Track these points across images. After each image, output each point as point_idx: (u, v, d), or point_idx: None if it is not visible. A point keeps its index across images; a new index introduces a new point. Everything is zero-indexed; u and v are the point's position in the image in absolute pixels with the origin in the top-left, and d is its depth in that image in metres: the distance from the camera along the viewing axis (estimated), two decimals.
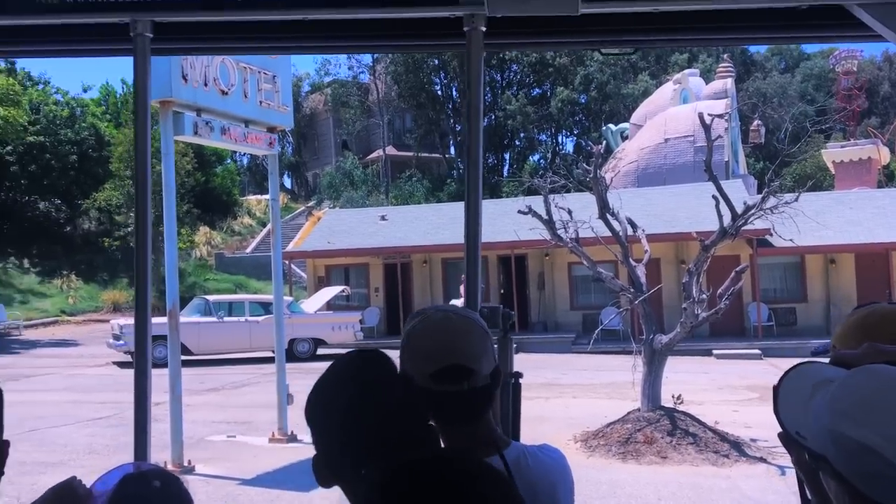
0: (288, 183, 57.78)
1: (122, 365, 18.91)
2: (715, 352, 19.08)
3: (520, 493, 1.14)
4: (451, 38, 2.22)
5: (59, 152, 34.83)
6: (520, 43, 2.39)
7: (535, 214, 10.74)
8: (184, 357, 10.56)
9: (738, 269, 10.23)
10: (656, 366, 9.92)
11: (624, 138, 33.31)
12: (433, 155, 51.29)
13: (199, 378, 15.55)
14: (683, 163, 27.85)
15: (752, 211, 10.12)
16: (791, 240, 11.70)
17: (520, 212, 10.63)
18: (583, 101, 48.64)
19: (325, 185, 47.76)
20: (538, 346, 20.47)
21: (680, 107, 30.13)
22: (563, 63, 46.91)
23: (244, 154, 44.78)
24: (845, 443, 1.03)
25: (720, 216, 10.19)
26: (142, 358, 2.30)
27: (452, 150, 52.57)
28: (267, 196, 44.68)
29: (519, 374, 2.14)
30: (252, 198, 46.76)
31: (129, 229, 33.42)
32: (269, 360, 17.52)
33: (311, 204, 46.67)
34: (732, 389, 14.04)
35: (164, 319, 8.86)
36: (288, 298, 18.65)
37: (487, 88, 47.25)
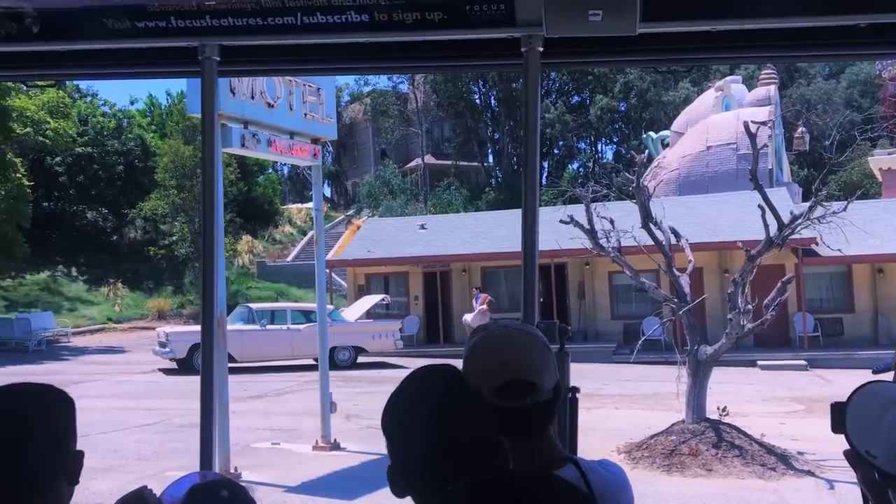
0: (327, 192, 58.31)
1: (167, 372, 19.25)
2: (760, 363, 18.79)
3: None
4: (507, 57, 2.26)
5: (106, 163, 35.64)
6: (576, 62, 2.43)
7: (578, 224, 10.72)
8: (228, 365, 10.73)
9: (784, 279, 10.09)
10: (701, 377, 9.82)
11: (665, 146, 33.01)
12: (471, 163, 51.36)
13: (243, 385, 15.76)
14: (726, 171, 27.50)
15: (800, 220, 9.99)
16: (839, 249, 11.50)
17: (562, 221, 10.63)
18: (623, 108, 48.35)
19: (365, 193, 48.10)
20: (578, 355, 20.28)
21: (722, 114, 29.78)
22: (602, 71, 46.70)
23: (285, 164, 45.34)
24: None
25: (766, 226, 10.07)
26: (208, 369, 2.37)
27: (491, 159, 52.61)
28: (307, 205, 45.12)
29: (576, 389, 2.16)
30: (293, 206, 47.28)
31: (174, 238, 34.04)
32: (311, 367, 17.73)
33: (350, 213, 47.04)
34: (778, 401, 13.82)
35: None
36: (329, 307, 18.83)
37: None
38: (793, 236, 10.60)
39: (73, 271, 34.35)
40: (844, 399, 1.42)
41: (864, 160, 33.01)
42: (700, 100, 34.09)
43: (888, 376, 8.43)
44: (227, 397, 8.88)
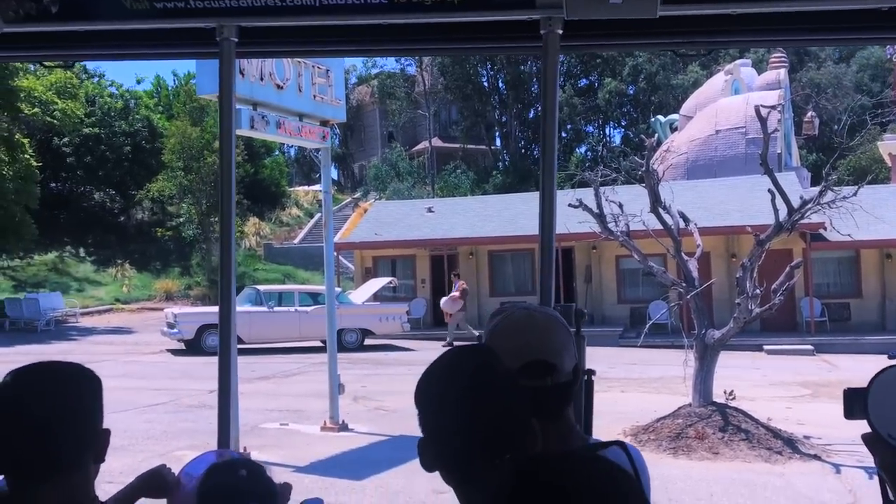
0: (334, 174, 58.23)
1: (175, 353, 19.35)
2: (766, 347, 18.79)
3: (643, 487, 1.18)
4: (526, 40, 2.26)
5: (113, 144, 35.66)
6: (595, 45, 2.42)
7: (587, 208, 10.70)
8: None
9: (792, 264, 10.08)
10: (708, 361, 9.83)
11: (673, 130, 32.86)
12: (479, 146, 51.22)
13: (251, 367, 15.84)
14: (735, 155, 27.40)
15: (809, 205, 9.96)
16: (849, 235, 11.46)
17: (570, 205, 10.59)
18: (631, 92, 48.08)
19: (372, 176, 48.06)
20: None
21: (731, 98, 29.61)
22: (611, 54, 46.40)
23: (292, 146, 45.28)
24: None
25: (776, 210, 10.04)
26: (226, 351, 2.39)
27: (498, 142, 52.46)
28: (314, 187, 45.07)
29: (592, 372, 2.18)
30: (300, 189, 47.26)
31: (182, 220, 34.10)
32: (318, 349, 17.80)
33: (357, 195, 47.02)
34: (785, 386, 13.84)
35: (218, 309, 9.06)
36: (336, 289, 18.87)
37: (534, 79, 47.01)
38: (802, 221, 10.57)
39: (81, 252, 34.47)
40: (853, 384, 1.43)
41: (873, 145, 32.82)
42: (709, 83, 33.90)
43: None
44: (237, 377, 8.93)
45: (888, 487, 1.40)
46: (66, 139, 34.37)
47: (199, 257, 33.67)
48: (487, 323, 1.69)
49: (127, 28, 2.39)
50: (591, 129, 50.73)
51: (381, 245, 24.49)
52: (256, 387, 14.00)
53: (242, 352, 16.91)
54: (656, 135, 31.04)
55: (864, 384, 1.38)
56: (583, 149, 48.97)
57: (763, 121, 10.21)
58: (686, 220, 11.02)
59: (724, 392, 9.91)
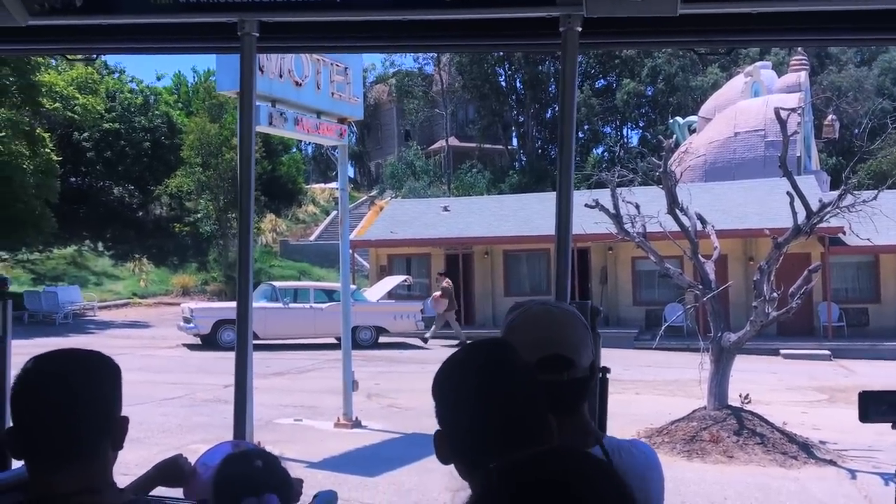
0: (351, 172, 58.42)
1: (192, 347, 19.47)
2: (783, 351, 18.66)
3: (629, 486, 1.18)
4: (545, 37, 2.26)
5: (133, 139, 35.92)
6: (615, 42, 2.42)
7: (603, 209, 10.67)
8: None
9: (811, 268, 10.01)
10: (724, 364, 9.78)
11: (692, 132, 32.70)
12: (496, 146, 51.17)
13: (266, 362, 15.90)
14: (753, 157, 27.21)
15: (829, 209, 9.88)
16: (868, 239, 11.36)
17: (587, 205, 10.56)
18: (649, 93, 47.86)
19: (388, 174, 48.12)
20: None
21: (751, 100, 29.41)
22: (629, 55, 46.24)
23: (309, 143, 45.44)
24: None
25: (794, 213, 9.97)
26: (243, 344, 2.40)
27: (515, 142, 52.37)
28: (331, 185, 45.21)
29: (607, 370, 2.18)
30: (316, 186, 47.42)
31: (199, 215, 34.30)
32: (332, 346, 17.85)
33: (373, 193, 47.10)
34: (801, 390, 13.74)
35: (234, 304, 9.12)
36: (351, 287, 18.92)
37: (551, 79, 46.90)
38: (820, 225, 10.49)
39: (100, 246, 34.76)
40: (871, 389, 1.42)
41: (894, 149, 32.50)
42: (729, 85, 33.69)
43: None
44: (252, 373, 8.97)
45: None
46: (86, 134, 34.66)
47: (216, 253, 33.87)
48: (505, 318, 1.69)
49: (149, 22, 2.41)
50: (608, 129, 50.60)
51: (397, 243, 24.52)
52: (271, 382, 14.06)
53: (257, 347, 16.93)
54: (674, 136, 30.88)
55: (881, 389, 1.38)
56: (600, 149, 48.84)
57: (783, 123, 10.14)
58: (703, 222, 10.97)
59: (740, 396, 9.86)
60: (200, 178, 31.86)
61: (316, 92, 10.05)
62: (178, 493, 1.88)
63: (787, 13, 2.12)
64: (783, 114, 10.31)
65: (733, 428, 9.18)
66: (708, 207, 14.45)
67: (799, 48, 37.47)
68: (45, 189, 24.81)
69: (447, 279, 21.61)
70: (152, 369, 15.63)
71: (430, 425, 1.35)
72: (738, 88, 31.05)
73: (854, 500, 7.46)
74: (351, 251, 24.80)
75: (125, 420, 1.51)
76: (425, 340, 20.81)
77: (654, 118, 48.49)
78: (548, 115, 48.23)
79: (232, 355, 2.58)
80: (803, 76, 31.04)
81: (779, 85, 31.11)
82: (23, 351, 1.99)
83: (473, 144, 50.26)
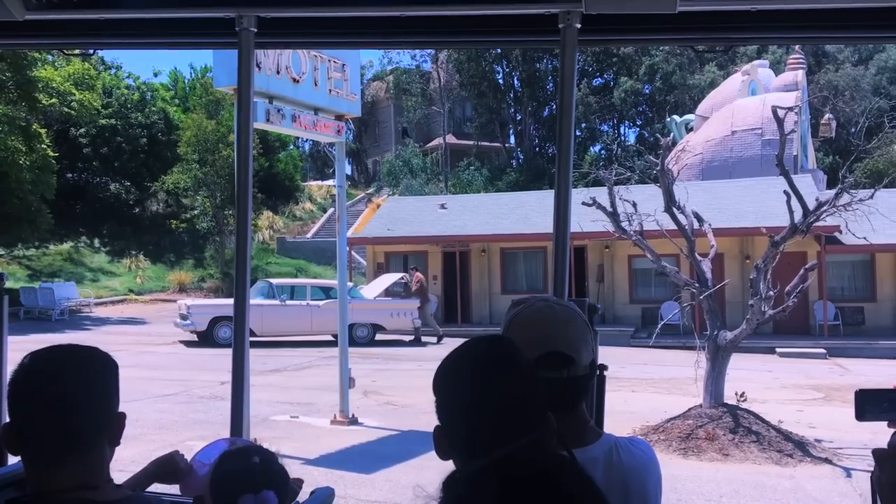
0: (348, 169, 58.34)
1: (188, 344, 19.45)
2: (778, 350, 18.70)
3: (599, 488, 1.19)
4: (544, 34, 2.25)
5: (129, 135, 35.84)
6: (614, 40, 2.41)
7: (600, 207, 10.67)
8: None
9: (807, 266, 10.01)
10: (720, 362, 9.79)
11: (689, 130, 32.72)
12: (493, 144, 51.17)
13: (262, 359, 15.91)
14: (750, 156, 27.24)
15: (825, 207, 9.89)
16: (864, 238, 11.39)
17: (584, 203, 10.56)
18: (647, 91, 47.87)
19: (385, 172, 48.09)
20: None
21: (748, 98, 29.44)
22: (627, 52, 46.25)
23: (306, 140, 45.43)
24: None
25: (791, 212, 9.98)
26: (240, 341, 2.40)
27: (512, 140, 52.37)
28: (328, 182, 45.14)
29: (604, 367, 2.18)
30: (313, 183, 47.38)
31: (196, 212, 34.26)
32: (329, 343, 17.85)
33: (370, 191, 47.08)
34: (797, 389, 13.77)
35: (231, 301, 9.11)
36: (348, 284, 18.91)
37: (549, 77, 46.89)
38: (817, 223, 10.51)
39: (96, 242, 34.70)
40: (866, 387, 1.41)
41: (891, 148, 32.55)
42: (726, 84, 33.71)
43: None
44: (248, 369, 8.97)
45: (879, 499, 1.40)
46: (82, 130, 34.59)
47: (213, 250, 33.84)
48: (507, 313, 1.69)
49: (147, 17, 2.40)
50: (605, 127, 50.63)
51: (394, 241, 24.52)
52: (268, 379, 14.05)
53: (254, 344, 16.94)
54: (672, 134, 30.90)
55: (877, 388, 1.37)
56: (597, 147, 48.84)
57: (780, 122, 10.15)
58: (700, 220, 10.98)
59: (736, 394, 9.87)
60: (197, 174, 31.81)
61: (314, 88, 10.03)
62: (174, 489, 1.88)
63: (786, 10, 2.12)
64: (780, 112, 10.31)
65: (729, 426, 9.20)
66: (705, 206, 14.46)
67: (796, 47, 37.54)
68: (42, 185, 24.75)
69: (418, 273, 21.89)
70: (149, 366, 15.61)
71: (427, 423, 1.34)
72: (736, 87, 31.07)
73: (849, 498, 7.48)
74: (348, 248, 24.83)
75: (122, 416, 1.50)
76: (440, 338, 20.78)
77: (652, 116, 48.52)
78: (545, 113, 48.22)
79: (228, 352, 2.58)
80: (800, 75, 31.08)
81: (776, 84, 31.14)
82: (19, 347, 1.98)
83: (471, 142, 50.26)
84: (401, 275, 22.89)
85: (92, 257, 33.52)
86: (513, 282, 24.05)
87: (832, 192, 10.99)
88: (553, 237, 2.26)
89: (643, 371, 15.55)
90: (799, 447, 8.89)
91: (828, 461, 8.60)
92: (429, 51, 51.02)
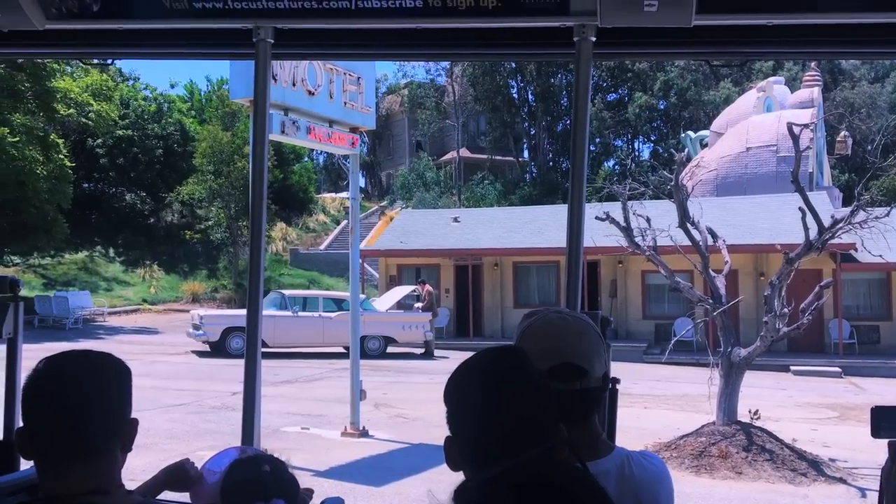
0: (362, 182, 58.53)
1: (200, 354, 19.50)
2: (793, 368, 18.54)
3: (612, 500, 1.18)
4: (559, 47, 2.26)
5: (145, 146, 36.13)
6: (629, 53, 2.42)
7: (614, 221, 10.65)
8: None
9: (822, 284, 9.95)
10: (733, 379, 9.72)
11: (703, 146, 32.63)
12: (506, 158, 51.21)
13: (274, 371, 15.92)
14: (765, 172, 27.13)
15: (841, 225, 9.83)
16: (880, 256, 11.30)
17: (598, 218, 10.55)
18: (662, 106, 47.84)
19: (399, 185, 48.19)
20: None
21: (763, 115, 29.35)
22: (642, 68, 46.26)
23: (321, 152, 45.59)
24: None
25: (806, 229, 9.92)
26: (252, 350, 2.41)
27: (526, 154, 52.39)
28: (342, 194, 45.31)
29: (616, 380, 2.16)
30: (327, 196, 47.55)
31: (210, 223, 34.43)
32: (341, 355, 17.85)
33: (383, 203, 47.17)
34: (811, 407, 13.64)
35: (244, 312, 9.13)
36: (360, 296, 18.92)
37: (563, 92, 46.94)
38: (832, 241, 10.44)
39: (111, 252, 34.91)
40: (883, 405, 1.40)
41: None
42: (741, 100, 33.62)
43: None
44: (260, 380, 8.98)
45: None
46: (99, 140, 34.89)
47: (227, 261, 33.97)
48: (520, 324, 1.68)
49: (165, 27, 2.42)
50: (619, 143, 50.57)
51: (406, 253, 24.54)
52: (279, 390, 14.06)
53: (266, 355, 16.92)
54: (686, 150, 30.80)
55: (894, 405, 1.36)
56: (611, 162, 48.78)
57: (795, 139, 10.11)
58: (714, 236, 10.94)
59: (749, 411, 9.78)
60: (212, 185, 31.98)
61: (329, 101, 10.09)
62: (184, 497, 1.88)
63: (802, 25, 2.11)
64: (796, 129, 10.28)
65: (742, 444, 9.11)
66: (719, 222, 14.40)
67: (812, 63, 37.43)
68: (58, 195, 24.95)
69: (427, 286, 21.97)
70: (161, 375, 15.65)
71: (438, 436, 1.33)
72: (751, 103, 30.98)
73: None
74: (360, 261, 24.89)
75: (135, 422, 1.51)
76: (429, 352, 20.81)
77: (666, 132, 48.44)
78: (559, 128, 48.23)
79: (240, 363, 2.59)
80: (816, 92, 30.95)
81: (791, 100, 31.02)
82: (32, 355, 2.00)
83: (484, 156, 50.31)
84: (413, 287, 22.90)
85: (106, 267, 33.72)
86: (525, 296, 23.99)
87: (848, 209, 10.92)
88: (566, 251, 2.25)
89: (656, 387, 15.45)
90: (813, 466, 8.80)
91: (842, 481, 8.50)
92: (443, 65, 51.20)
